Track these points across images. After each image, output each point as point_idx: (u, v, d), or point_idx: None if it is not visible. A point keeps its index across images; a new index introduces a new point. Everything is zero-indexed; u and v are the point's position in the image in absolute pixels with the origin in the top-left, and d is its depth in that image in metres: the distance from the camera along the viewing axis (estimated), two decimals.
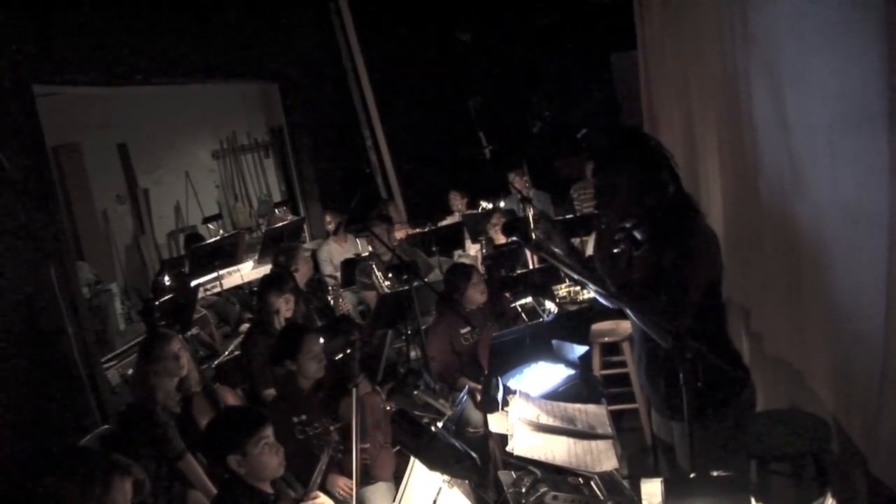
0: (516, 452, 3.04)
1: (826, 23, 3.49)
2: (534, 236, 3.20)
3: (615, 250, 3.29)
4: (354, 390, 3.97)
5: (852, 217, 3.52)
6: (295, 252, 6.73)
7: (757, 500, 2.46)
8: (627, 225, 3.10)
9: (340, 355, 4.79)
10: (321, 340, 4.64)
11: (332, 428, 4.35)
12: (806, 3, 3.66)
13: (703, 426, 2.93)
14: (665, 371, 3.07)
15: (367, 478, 4.28)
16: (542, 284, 6.45)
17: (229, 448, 3.29)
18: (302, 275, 6.55)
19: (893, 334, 3.24)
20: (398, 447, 4.36)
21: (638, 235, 3.13)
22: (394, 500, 3.06)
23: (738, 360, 3.13)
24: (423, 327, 5.79)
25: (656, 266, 3.00)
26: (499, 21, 12.61)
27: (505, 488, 3.02)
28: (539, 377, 4.56)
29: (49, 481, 2.90)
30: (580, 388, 4.40)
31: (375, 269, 7.22)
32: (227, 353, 6.35)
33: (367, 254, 7.89)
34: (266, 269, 7.34)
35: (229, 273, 8.03)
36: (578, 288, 6.43)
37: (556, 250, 3.16)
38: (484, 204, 9.30)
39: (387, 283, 7.13)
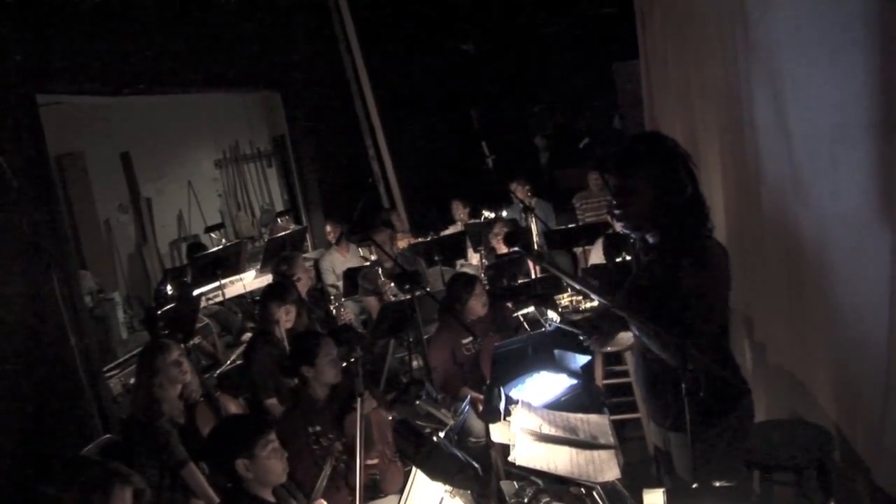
0: (518, 462, 3.04)
1: (826, 32, 3.50)
2: (535, 247, 3.19)
3: (618, 259, 3.29)
4: (359, 405, 3.96)
5: (854, 225, 3.51)
6: (294, 261, 6.74)
7: None
8: (643, 228, 3.07)
9: (343, 364, 4.79)
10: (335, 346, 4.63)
11: (338, 441, 4.33)
12: (806, 13, 3.66)
13: (703, 436, 2.91)
14: (663, 382, 3.05)
15: (375, 492, 4.27)
16: (544, 294, 6.44)
17: (238, 451, 3.27)
18: (302, 284, 6.55)
19: None
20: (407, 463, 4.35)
21: (650, 239, 3.10)
22: None
23: (737, 371, 3.11)
24: (426, 337, 5.78)
25: (667, 274, 2.97)
26: (501, 31, 12.64)
27: (507, 498, 3.01)
28: (541, 387, 4.55)
29: (49, 489, 2.90)
30: (582, 398, 4.40)
31: (382, 275, 7.20)
32: (229, 362, 6.35)
33: (372, 259, 7.87)
34: (268, 278, 7.34)
35: (231, 282, 8.02)
36: (581, 297, 6.41)
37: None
38: (486, 213, 9.30)
39: (394, 285, 7.09)
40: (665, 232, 2.99)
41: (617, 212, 3.09)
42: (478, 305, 5.56)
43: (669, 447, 3.24)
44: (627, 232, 3.16)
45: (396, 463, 4.43)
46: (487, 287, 6.45)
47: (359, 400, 3.92)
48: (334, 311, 7.30)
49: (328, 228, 9.23)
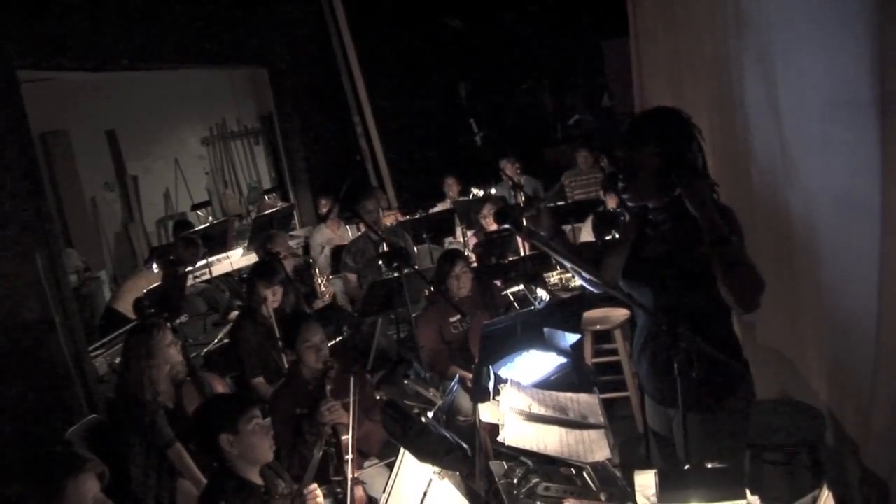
0: (507, 442, 3.02)
1: (818, 10, 3.47)
2: (524, 222, 3.12)
3: (608, 237, 3.25)
4: (351, 384, 3.95)
5: (844, 205, 3.50)
6: (277, 239, 6.73)
7: (752, 492, 2.43)
8: (651, 206, 3.01)
9: (331, 343, 4.77)
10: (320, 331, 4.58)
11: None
12: None
13: (707, 417, 2.88)
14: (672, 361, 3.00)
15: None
16: (533, 272, 6.42)
17: (221, 426, 3.24)
18: (287, 262, 6.52)
19: (885, 324, 3.22)
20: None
21: (658, 216, 3.02)
22: (384, 491, 3.03)
23: (739, 353, 3.06)
24: (414, 315, 5.76)
25: (682, 243, 2.90)
26: (489, 7, 12.58)
27: (496, 479, 2.99)
28: (530, 366, 4.53)
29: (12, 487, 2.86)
30: (572, 377, 4.37)
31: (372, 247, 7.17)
32: (216, 340, 6.32)
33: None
34: (255, 256, 7.31)
35: (218, 260, 7.98)
36: (570, 275, 6.39)
37: (544, 234, 3.09)
38: (475, 191, 9.27)
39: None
40: (675, 204, 2.90)
41: (622, 185, 3.02)
42: (456, 283, 5.53)
43: (667, 428, 3.18)
44: (633, 205, 3.09)
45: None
46: (475, 265, 6.42)
47: (351, 379, 3.91)
48: (319, 286, 7.25)
49: (322, 201, 9.18)
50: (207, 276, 7.84)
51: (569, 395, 3.55)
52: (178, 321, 6.22)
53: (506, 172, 9.04)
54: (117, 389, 4.65)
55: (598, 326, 5.73)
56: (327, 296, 7.20)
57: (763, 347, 4.50)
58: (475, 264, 6.51)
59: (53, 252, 5.78)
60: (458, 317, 5.49)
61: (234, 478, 3.28)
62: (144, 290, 5.99)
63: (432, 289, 5.69)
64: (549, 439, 3.09)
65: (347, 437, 4.02)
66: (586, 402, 3.47)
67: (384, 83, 11.50)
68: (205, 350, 6.13)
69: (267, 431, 3.40)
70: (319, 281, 7.34)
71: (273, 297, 5.52)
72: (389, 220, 8.68)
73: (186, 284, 6.98)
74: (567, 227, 7.82)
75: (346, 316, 6.29)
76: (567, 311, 5.88)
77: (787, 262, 4.10)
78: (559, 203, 8.64)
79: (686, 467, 2.57)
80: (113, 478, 3.16)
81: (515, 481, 2.96)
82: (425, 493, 2.86)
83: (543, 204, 3.21)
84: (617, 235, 6.55)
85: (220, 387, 5.07)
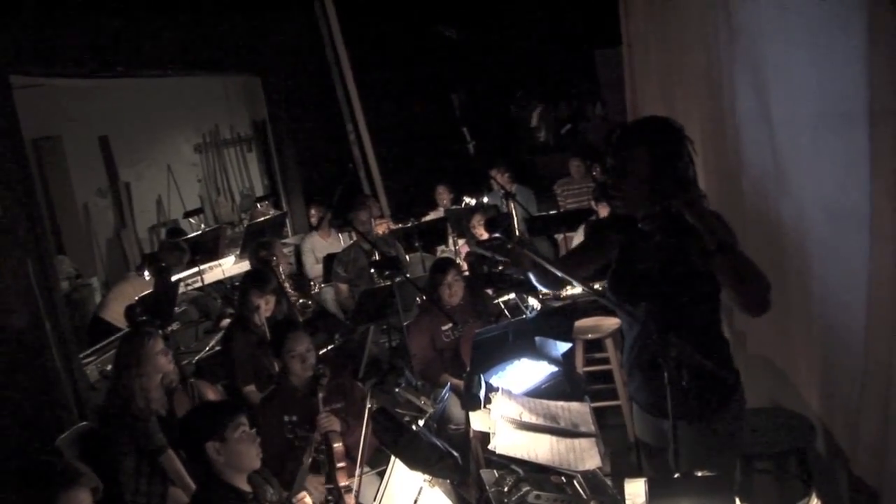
0: (498, 451, 3.02)
1: (810, 20, 3.48)
2: (517, 233, 3.13)
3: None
4: (368, 396, 3.94)
5: (835, 215, 3.52)
6: (273, 245, 6.72)
7: (741, 501, 2.43)
8: (640, 216, 2.99)
9: (323, 351, 4.76)
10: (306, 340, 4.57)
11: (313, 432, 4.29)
12: (791, 1, 3.65)
13: (700, 427, 2.88)
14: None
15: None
16: (525, 281, 6.43)
17: (208, 434, 3.24)
18: (281, 270, 6.52)
19: (874, 333, 3.24)
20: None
21: (645, 227, 3.01)
22: (374, 499, 3.03)
23: (731, 362, 3.05)
24: (405, 323, 5.75)
25: (673, 255, 2.91)
26: (484, 16, 12.60)
27: (487, 487, 2.99)
28: (522, 374, 4.53)
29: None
30: (563, 386, 4.38)
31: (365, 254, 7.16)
32: (207, 348, 6.31)
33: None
34: (247, 263, 7.29)
35: (210, 268, 7.96)
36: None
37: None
38: (467, 199, 9.27)
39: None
40: (665, 216, 2.89)
41: (612, 192, 3.00)
42: (447, 291, 5.53)
43: (658, 438, 3.17)
44: (623, 213, 3.08)
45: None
46: (467, 273, 6.43)
47: (368, 393, 3.91)
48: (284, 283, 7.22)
49: (312, 211, 9.16)
50: (199, 284, 7.82)
51: (560, 403, 3.55)
52: (169, 328, 6.21)
53: (497, 181, 9.04)
54: (108, 397, 4.64)
55: (590, 335, 5.73)
56: (293, 293, 7.15)
57: (753, 356, 4.50)
58: (467, 273, 6.52)
59: (45, 259, 5.76)
60: (450, 325, 5.49)
61: (221, 485, 3.28)
62: (135, 297, 5.97)
63: (424, 297, 5.69)
64: (539, 448, 3.09)
65: (338, 445, 4.02)
66: (577, 410, 3.47)
67: (377, 91, 11.51)
68: (196, 357, 6.11)
69: (254, 439, 3.39)
70: (287, 285, 7.31)
71: (266, 306, 5.52)
72: (381, 228, 8.68)
73: (178, 292, 6.96)
74: (559, 237, 7.84)
75: (337, 324, 6.29)
76: (558, 319, 5.91)
77: (777, 271, 4.11)
78: (551, 212, 8.65)
79: (676, 476, 2.57)
80: (103, 486, 3.16)
81: (506, 489, 2.96)
82: (416, 501, 2.87)
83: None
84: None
85: (212, 394, 5.06)
